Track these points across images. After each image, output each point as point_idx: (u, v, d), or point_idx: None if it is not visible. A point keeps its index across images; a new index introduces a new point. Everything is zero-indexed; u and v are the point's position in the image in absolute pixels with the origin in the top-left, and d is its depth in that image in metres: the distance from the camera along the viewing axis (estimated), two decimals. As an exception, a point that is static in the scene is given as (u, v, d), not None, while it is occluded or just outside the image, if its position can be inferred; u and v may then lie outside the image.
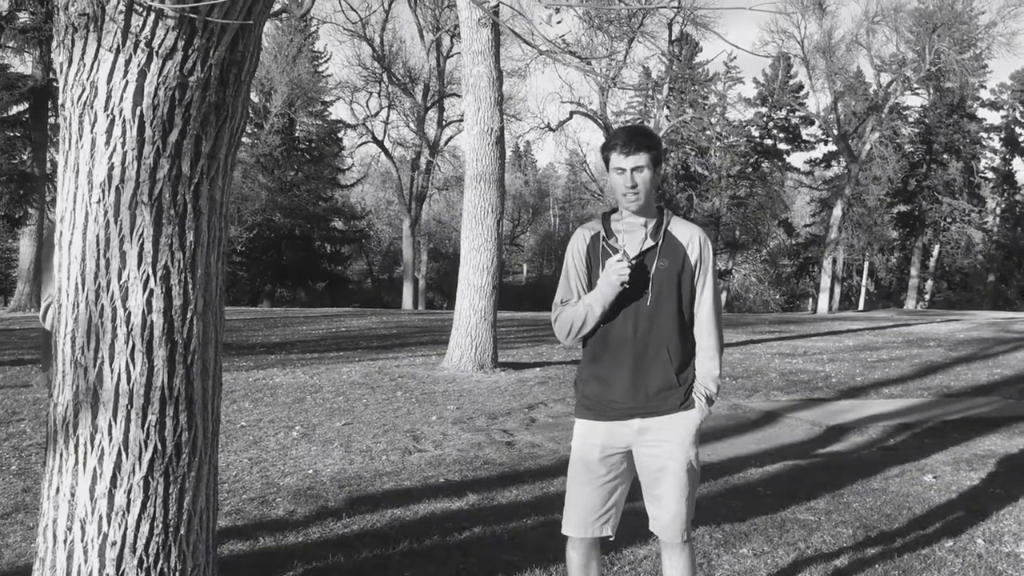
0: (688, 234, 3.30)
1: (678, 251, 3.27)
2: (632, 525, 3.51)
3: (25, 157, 24.82)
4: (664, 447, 3.28)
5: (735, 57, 50.17)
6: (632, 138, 3.21)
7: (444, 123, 43.49)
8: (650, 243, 3.26)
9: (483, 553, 4.71)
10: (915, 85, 42.82)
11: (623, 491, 3.40)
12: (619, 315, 3.27)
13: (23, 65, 25.69)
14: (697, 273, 3.29)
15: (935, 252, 51.56)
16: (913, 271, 50.28)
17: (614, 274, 3.17)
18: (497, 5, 12.25)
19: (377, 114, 43.19)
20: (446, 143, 44.92)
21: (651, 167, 3.22)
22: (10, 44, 23.54)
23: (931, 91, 47.03)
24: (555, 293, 3.46)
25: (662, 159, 3.31)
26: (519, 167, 70.57)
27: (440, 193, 51.15)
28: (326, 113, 47.44)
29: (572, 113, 40.34)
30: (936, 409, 9.57)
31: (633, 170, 3.20)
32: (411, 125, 42.46)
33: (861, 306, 51.45)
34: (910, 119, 49.98)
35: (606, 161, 3.28)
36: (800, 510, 5.63)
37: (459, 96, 37.69)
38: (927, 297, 51.17)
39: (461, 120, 34.71)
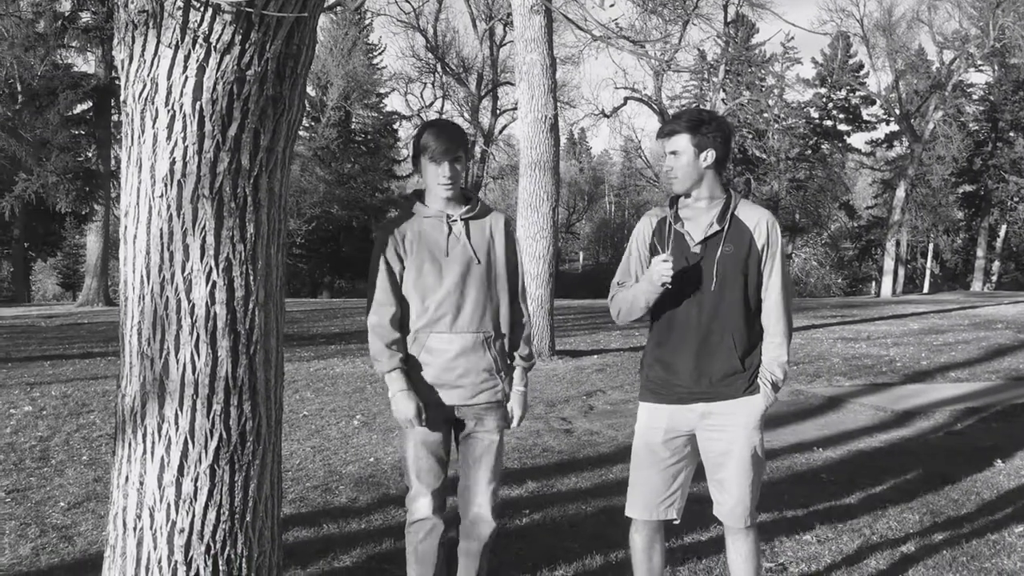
0: (756, 218, 3.26)
1: (744, 235, 3.23)
2: (694, 511, 3.49)
3: (90, 154, 25.37)
4: (727, 432, 3.27)
5: (792, 37, 49.39)
6: (667, 123, 3.25)
7: (498, 112, 43.49)
8: (716, 227, 3.23)
9: (542, 540, 4.72)
10: (979, 62, 41.66)
11: (688, 474, 3.39)
12: (684, 300, 3.25)
13: (86, 64, 26.27)
14: (764, 258, 3.25)
15: (1002, 232, 50.25)
16: (979, 252, 49.06)
17: (656, 273, 3.15)
18: (550, -8, 12.20)
19: (431, 104, 43.37)
20: (500, 132, 44.94)
21: (695, 149, 3.20)
22: (73, 44, 24.04)
23: (995, 68, 45.73)
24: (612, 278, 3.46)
25: (714, 140, 3.22)
26: (573, 154, 70.28)
27: (495, 182, 51.20)
28: (381, 105, 47.75)
29: (626, 99, 40.04)
30: (1004, 392, 9.35)
31: (670, 154, 3.22)
32: (465, 114, 42.54)
33: (926, 289, 50.43)
34: (974, 97, 48.73)
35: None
36: (864, 496, 5.55)
37: (513, 84, 37.61)
38: (994, 278, 49.91)
39: (515, 108, 34.68)
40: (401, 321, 3.36)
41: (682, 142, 3.19)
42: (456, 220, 3.37)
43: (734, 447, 3.27)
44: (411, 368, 3.34)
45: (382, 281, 3.33)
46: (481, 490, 3.44)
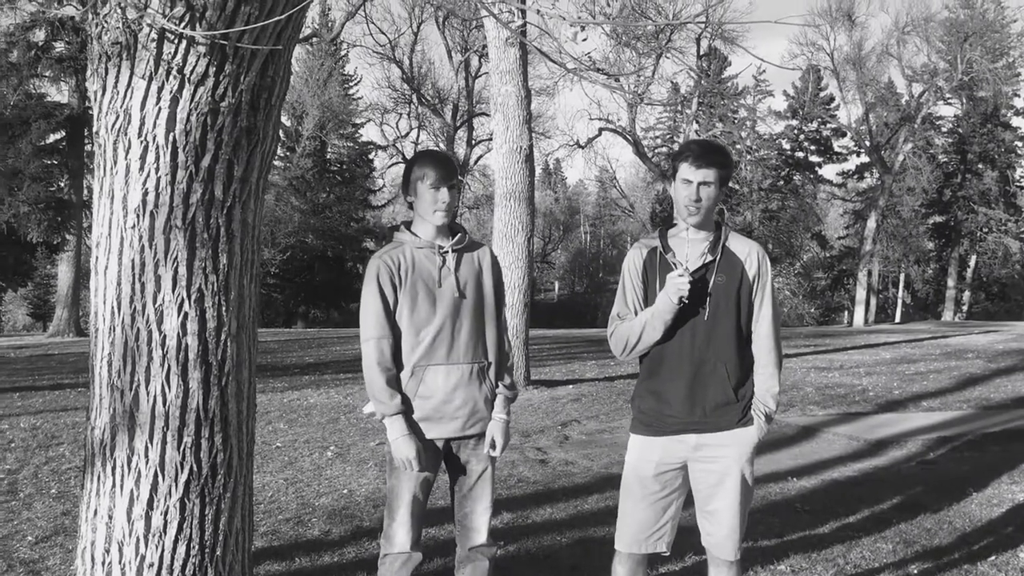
0: (746, 249, 3.30)
1: (736, 266, 3.27)
2: (676, 541, 3.48)
3: (62, 184, 25.23)
4: (720, 463, 3.26)
5: (764, 71, 49.95)
6: (706, 153, 3.21)
7: (473, 142, 43.74)
8: (708, 258, 3.26)
9: (518, 572, 4.68)
10: (947, 95, 42.39)
11: (678, 506, 3.36)
12: (676, 330, 3.25)
13: (59, 94, 26.17)
14: (755, 288, 3.28)
15: (972, 262, 50.84)
16: (950, 282, 49.59)
17: (673, 288, 3.14)
18: (524, 25, 12.29)
19: (407, 135, 43.57)
20: (476, 162, 45.16)
21: (718, 185, 3.21)
22: (47, 73, 23.97)
23: (964, 101, 46.51)
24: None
25: (730, 179, 3.31)
26: (549, 184, 70.58)
27: (471, 212, 51.30)
28: (357, 135, 47.82)
29: (601, 130, 40.34)
30: (976, 422, 9.43)
31: (700, 184, 3.19)
32: (441, 145, 42.71)
33: (898, 318, 50.84)
34: (943, 129, 49.43)
35: (674, 170, 3.25)
36: (838, 526, 5.56)
37: (488, 115, 37.84)
38: (965, 308, 50.42)
39: (490, 139, 34.86)
40: (394, 355, 3.35)
41: (715, 175, 3.20)
42: (448, 251, 3.39)
43: (727, 479, 3.26)
44: (406, 407, 3.34)
45: (378, 312, 3.30)
46: (480, 519, 3.48)
